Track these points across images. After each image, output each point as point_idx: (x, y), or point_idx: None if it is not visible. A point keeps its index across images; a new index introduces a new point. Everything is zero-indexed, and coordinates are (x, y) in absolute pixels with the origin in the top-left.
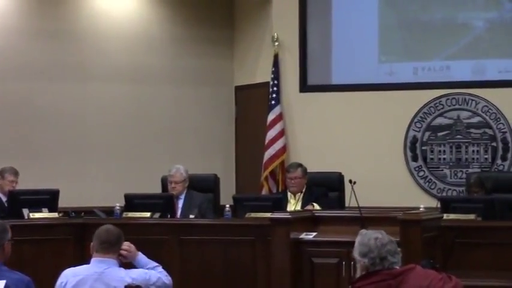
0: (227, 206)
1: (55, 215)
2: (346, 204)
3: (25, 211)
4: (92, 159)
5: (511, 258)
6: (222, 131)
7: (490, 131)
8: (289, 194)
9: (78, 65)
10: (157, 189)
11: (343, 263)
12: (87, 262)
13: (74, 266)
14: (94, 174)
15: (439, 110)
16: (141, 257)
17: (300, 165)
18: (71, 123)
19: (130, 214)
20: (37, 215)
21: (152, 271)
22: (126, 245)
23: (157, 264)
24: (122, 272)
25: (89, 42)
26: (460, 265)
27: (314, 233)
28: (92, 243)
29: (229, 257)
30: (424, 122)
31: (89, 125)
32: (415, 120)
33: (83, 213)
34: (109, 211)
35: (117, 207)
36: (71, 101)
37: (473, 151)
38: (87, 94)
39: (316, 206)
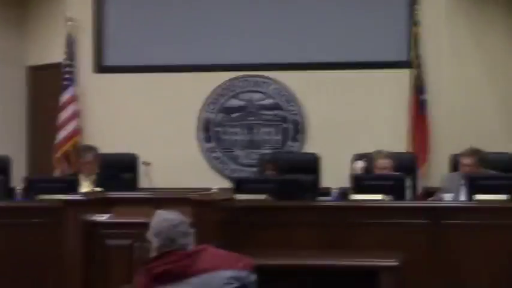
0: (18, 187)
1: None
2: (142, 186)
3: None
4: None
5: (302, 237)
6: (13, 111)
7: (281, 113)
8: (82, 176)
9: None
10: None
11: (136, 244)
12: None
13: None
14: None
15: (232, 91)
16: None
17: (90, 148)
18: None
19: None
20: None
21: None
22: None
23: None
24: None
25: None
26: (252, 244)
27: (108, 215)
28: None
29: (19, 241)
30: (217, 103)
31: None
32: (209, 101)
33: None
34: None
35: None
36: None
37: (265, 132)
38: None
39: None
